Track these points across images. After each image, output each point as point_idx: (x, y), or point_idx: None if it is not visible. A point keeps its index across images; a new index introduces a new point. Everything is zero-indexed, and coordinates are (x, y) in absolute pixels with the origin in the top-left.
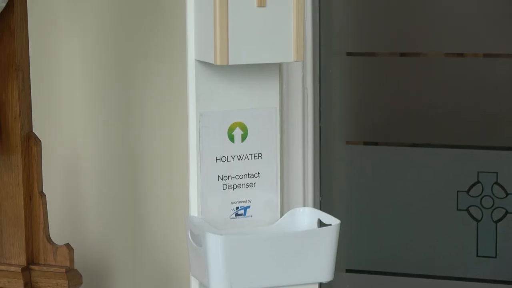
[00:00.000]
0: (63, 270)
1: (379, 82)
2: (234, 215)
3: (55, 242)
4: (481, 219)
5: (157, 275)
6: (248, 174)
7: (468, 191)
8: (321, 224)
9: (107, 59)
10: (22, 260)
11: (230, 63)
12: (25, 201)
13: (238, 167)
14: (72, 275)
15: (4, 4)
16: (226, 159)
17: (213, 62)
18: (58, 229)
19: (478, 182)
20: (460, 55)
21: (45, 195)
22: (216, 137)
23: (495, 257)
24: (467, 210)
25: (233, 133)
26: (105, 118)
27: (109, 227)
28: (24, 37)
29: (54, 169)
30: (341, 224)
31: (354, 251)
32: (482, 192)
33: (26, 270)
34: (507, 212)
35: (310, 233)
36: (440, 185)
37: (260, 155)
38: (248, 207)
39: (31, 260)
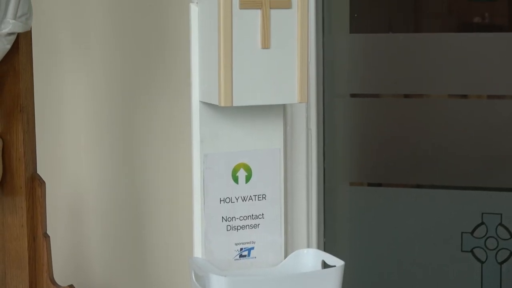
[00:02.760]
0: None
1: (383, 123)
2: (238, 256)
3: (58, 283)
4: (485, 261)
5: None
6: (252, 215)
7: (472, 233)
8: (325, 265)
9: (110, 101)
10: None
11: (234, 105)
12: (29, 242)
13: (242, 208)
14: None
15: (9, 46)
16: (230, 200)
17: (217, 104)
18: (61, 270)
19: (482, 223)
20: (464, 96)
21: (49, 237)
22: (220, 178)
23: None
24: (472, 251)
25: (237, 174)
26: (109, 159)
27: (113, 268)
28: (29, 79)
29: (58, 210)
30: (345, 265)
31: None
32: (486, 233)
33: None
34: (511, 253)
35: (314, 275)
36: (444, 227)
37: (264, 196)
38: (252, 248)
39: None
